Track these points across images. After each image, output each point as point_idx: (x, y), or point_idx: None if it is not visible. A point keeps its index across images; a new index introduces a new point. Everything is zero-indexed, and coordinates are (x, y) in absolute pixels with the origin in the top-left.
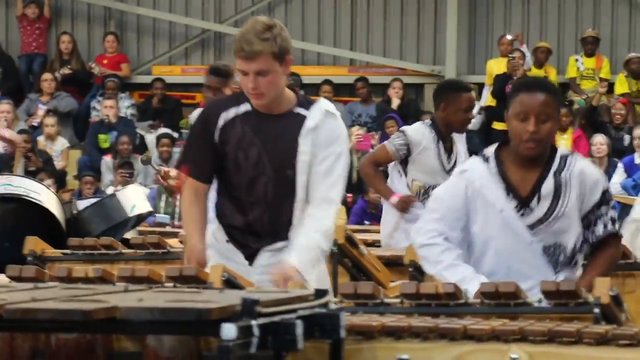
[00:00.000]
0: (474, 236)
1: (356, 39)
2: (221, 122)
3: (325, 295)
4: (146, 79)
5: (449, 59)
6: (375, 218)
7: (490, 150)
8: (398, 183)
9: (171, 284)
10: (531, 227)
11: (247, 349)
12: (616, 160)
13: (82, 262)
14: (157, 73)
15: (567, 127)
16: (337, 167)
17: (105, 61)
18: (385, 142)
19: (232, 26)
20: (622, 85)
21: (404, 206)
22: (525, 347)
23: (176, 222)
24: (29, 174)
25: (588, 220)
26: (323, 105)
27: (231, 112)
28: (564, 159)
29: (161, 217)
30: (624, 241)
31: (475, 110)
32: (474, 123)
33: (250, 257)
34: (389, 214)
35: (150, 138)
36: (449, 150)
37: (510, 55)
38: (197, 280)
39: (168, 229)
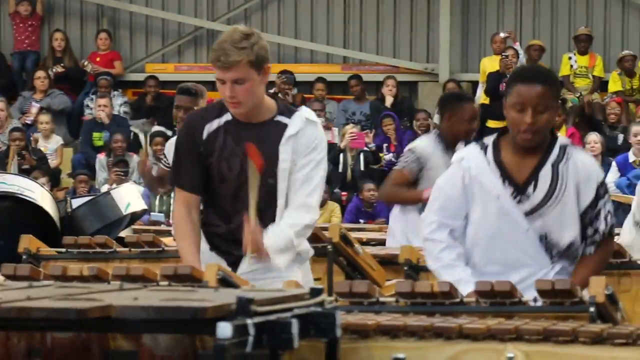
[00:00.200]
0: (471, 223)
1: (349, 37)
2: (205, 134)
3: (321, 294)
4: (139, 77)
5: (443, 57)
6: (370, 216)
7: (489, 139)
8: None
9: (166, 283)
10: (527, 214)
11: (242, 347)
12: (610, 159)
13: (76, 261)
14: (150, 71)
15: (560, 125)
16: (317, 174)
17: (98, 59)
18: (397, 166)
19: (225, 24)
20: (615, 83)
21: None
22: (521, 346)
23: (171, 220)
24: (23, 172)
25: (589, 217)
26: (304, 113)
27: (214, 124)
28: (563, 149)
29: (156, 215)
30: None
31: None
32: None
33: (234, 264)
34: (396, 222)
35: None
36: None
37: (503, 54)
38: (192, 279)
39: (163, 227)
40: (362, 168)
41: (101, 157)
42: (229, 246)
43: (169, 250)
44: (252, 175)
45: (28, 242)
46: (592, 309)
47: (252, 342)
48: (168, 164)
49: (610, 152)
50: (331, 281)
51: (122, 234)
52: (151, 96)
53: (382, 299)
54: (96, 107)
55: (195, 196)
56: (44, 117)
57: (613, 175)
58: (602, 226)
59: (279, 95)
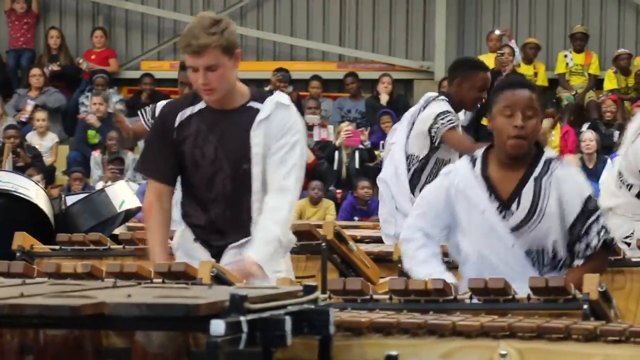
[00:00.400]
0: (459, 239)
1: (345, 35)
2: (177, 121)
3: (314, 292)
4: (135, 74)
5: (438, 54)
6: (365, 214)
7: (479, 152)
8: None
9: (160, 280)
10: (512, 230)
11: (235, 345)
12: (605, 157)
13: (70, 258)
14: (145, 68)
15: (555, 123)
16: (292, 156)
17: (93, 56)
18: (447, 128)
19: None
20: (611, 81)
21: None
22: (514, 343)
23: None
24: (18, 169)
25: (577, 231)
26: (276, 97)
27: (187, 112)
28: (548, 163)
29: None
30: None
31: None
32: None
33: (217, 256)
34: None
35: None
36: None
37: (498, 52)
38: (185, 276)
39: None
40: (357, 166)
41: (96, 155)
42: (209, 237)
43: None
44: None
45: (22, 239)
46: (585, 307)
47: (245, 340)
48: (150, 123)
49: (605, 149)
50: (325, 278)
51: (117, 231)
52: (147, 94)
53: (375, 297)
54: (92, 106)
55: (167, 186)
56: (40, 115)
57: (608, 172)
58: (593, 242)
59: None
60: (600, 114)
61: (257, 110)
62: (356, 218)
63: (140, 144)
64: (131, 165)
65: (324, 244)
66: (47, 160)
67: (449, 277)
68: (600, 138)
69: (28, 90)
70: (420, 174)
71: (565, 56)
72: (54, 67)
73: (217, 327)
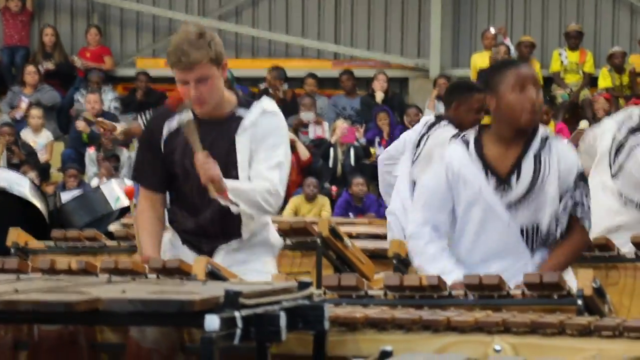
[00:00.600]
0: (457, 216)
1: (340, 33)
2: (165, 131)
3: (309, 287)
4: (130, 72)
5: (433, 52)
6: (360, 211)
7: (470, 134)
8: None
9: (154, 276)
10: (509, 206)
11: (230, 340)
12: None
13: (65, 254)
14: (140, 66)
15: (549, 120)
16: (276, 154)
17: (88, 54)
18: None
19: (216, 20)
20: (605, 79)
21: None
22: (508, 338)
23: None
24: (12, 166)
25: (565, 203)
26: (262, 104)
27: (174, 122)
28: (544, 139)
29: None
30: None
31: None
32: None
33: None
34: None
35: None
36: None
37: (493, 49)
38: (180, 272)
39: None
40: (352, 163)
41: (91, 152)
42: (199, 240)
43: None
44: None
45: (17, 236)
46: (579, 302)
47: (239, 335)
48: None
49: None
50: (320, 274)
51: (111, 228)
52: (141, 91)
53: (370, 292)
54: (86, 103)
55: (158, 194)
56: (35, 112)
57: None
58: (579, 213)
59: (270, 90)
60: (593, 111)
61: (242, 118)
62: (351, 215)
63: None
64: (126, 163)
65: (319, 241)
66: (42, 157)
67: (460, 273)
68: None
69: (22, 88)
70: None
71: (560, 54)
72: (49, 64)
73: (212, 322)
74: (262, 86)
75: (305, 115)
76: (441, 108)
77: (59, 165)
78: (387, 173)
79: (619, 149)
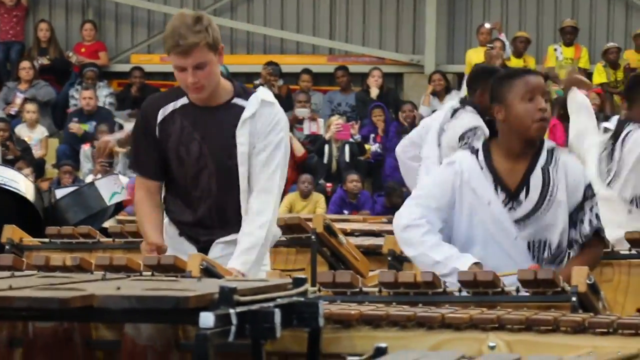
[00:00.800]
0: (458, 228)
1: (335, 28)
2: (160, 118)
3: (304, 284)
4: (125, 68)
5: (429, 48)
6: (355, 207)
7: (478, 144)
8: None
9: (149, 273)
10: (518, 221)
11: (225, 337)
12: None
13: (60, 251)
14: (135, 62)
15: None
16: (276, 156)
17: (83, 49)
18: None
19: (212, 15)
20: (600, 75)
21: None
22: (503, 335)
23: None
24: (7, 162)
25: (574, 219)
26: (260, 94)
27: (169, 108)
28: (551, 152)
29: None
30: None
31: (455, 101)
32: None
33: (204, 250)
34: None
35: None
36: None
37: (488, 45)
38: (175, 269)
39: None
40: (347, 159)
41: (86, 148)
42: (196, 232)
43: None
44: None
45: (11, 232)
46: (574, 299)
47: (234, 332)
48: None
49: None
50: (315, 271)
51: (106, 224)
52: (136, 87)
53: (365, 289)
54: (81, 99)
55: (155, 182)
56: (30, 106)
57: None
58: (587, 230)
59: (265, 86)
60: None
61: (241, 108)
62: (346, 211)
63: None
64: (121, 159)
65: (313, 237)
66: (37, 152)
67: (469, 256)
68: None
69: (17, 84)
70: None
71: (555, 50)
72: (44, 60)
73: (207, 319)
74: (257, 82)
75: (300, 111)
76: (436, 104)
77: (54, 161)
78: (409, 159)
79: (608, 153)
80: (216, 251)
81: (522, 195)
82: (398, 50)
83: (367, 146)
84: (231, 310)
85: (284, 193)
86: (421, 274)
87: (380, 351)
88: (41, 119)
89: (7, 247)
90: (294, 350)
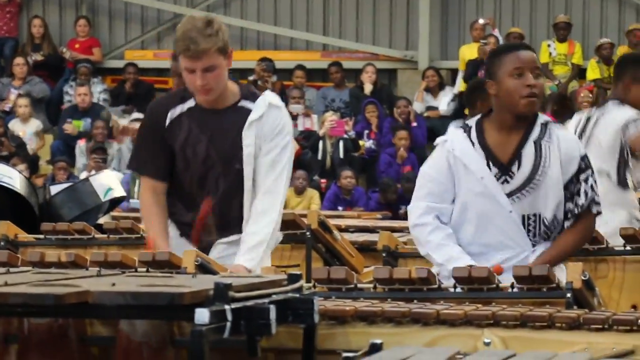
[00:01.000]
0: (456, 204)
1: (329, 24)
2: (168, 120)
3: (299, 281)
4: (119, 64)
5: (422, 44)
6: (349, 204)
7: (472, 120)
8: None
9: (144, 269)
10: (511, 194)
11: (220, 333)
12: None
13: (55, 247)
14: (129, 58)
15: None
16: (282, 158)
17: (77, 45)
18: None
19: (205, 11)
20: (593, 70)
21: None
22: (498, 331)
23: None
24: (2, 158)
25: (570, 191)
26: (267, 97)
27: (177, 110)
28: (544, 125)
29: (135, 202)
30: None
31: (448, 97)
32: (447, 109)
33: (205, 250)
34: None
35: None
36: None
37: (482, 41)
38: (170, 265)
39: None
40: (341, 155)
41: (81, 144)
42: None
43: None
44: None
45: (6, 229)
46: (568, 295)
47: (229, 328)
48: None
49: None
50: (309, 267)
51: (101, 220)
52: (130, 83)
53: (360, 286)
54: (76, 95)
55: (160, 183)
56: (22, 101)
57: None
58: (582, 200)
59: (258, 82)
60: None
61: (248, 110)
62: (340, 208)
63: None
64: (115, 155)
65: (308, 233)
66: (32, 146)
67: (468, 259)
68: None
69: (11, 80)
70: None
71: (549, 45)
72: (38, 56)
73: (202, 315)
74: (251, 78)
75: (294, 108)
76: (430, 100)
77: (48, 157)
78: None
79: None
80: (217, 251)
81: (515, 167)
82: (391, 46)
83: (361, 142)
84: (226, 307)
85: None
86: (416, 270)
87: (375, 347)
88: (35, 115)
89: (2, 243)
90: (289, 347)
